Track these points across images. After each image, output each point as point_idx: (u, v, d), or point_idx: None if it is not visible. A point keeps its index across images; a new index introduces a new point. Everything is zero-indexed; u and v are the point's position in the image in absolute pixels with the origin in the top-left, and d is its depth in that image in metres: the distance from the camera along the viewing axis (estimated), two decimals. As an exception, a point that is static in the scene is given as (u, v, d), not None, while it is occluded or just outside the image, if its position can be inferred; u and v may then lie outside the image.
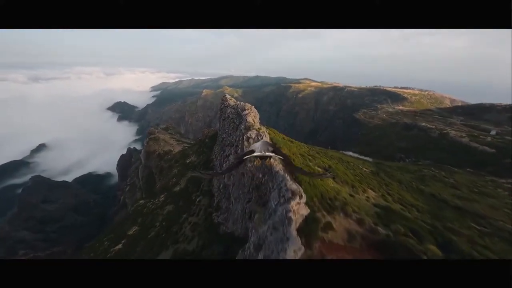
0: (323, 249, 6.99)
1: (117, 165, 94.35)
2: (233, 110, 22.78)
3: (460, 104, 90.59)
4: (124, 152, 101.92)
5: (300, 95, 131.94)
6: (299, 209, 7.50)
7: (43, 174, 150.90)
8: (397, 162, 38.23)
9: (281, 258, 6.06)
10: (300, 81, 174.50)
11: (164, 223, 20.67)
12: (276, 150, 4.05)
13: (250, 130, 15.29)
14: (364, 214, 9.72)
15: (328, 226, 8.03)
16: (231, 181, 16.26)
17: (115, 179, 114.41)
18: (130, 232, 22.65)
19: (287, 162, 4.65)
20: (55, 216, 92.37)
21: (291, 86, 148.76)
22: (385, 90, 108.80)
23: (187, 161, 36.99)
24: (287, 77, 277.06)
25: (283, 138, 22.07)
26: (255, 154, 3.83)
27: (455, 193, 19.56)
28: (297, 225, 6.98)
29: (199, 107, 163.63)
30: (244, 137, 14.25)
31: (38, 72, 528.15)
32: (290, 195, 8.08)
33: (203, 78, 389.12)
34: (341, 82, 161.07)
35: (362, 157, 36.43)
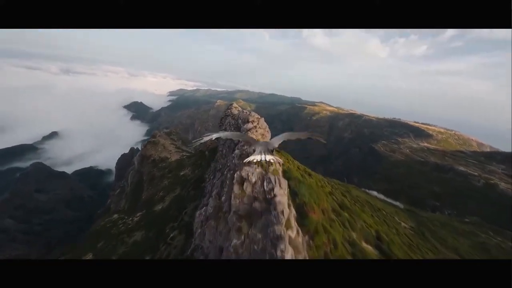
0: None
1: (116, 163, 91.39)
2: (233, 122, 17.84)
3: (488, 149, 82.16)
4: (127, 151, 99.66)
5: (314, 118, 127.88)
6: None
7: (47, 162, 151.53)
8: (431, 211, 31.27)
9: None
10: (316, 103, 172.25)
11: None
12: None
13: (249, 165, 9.29)
14: None
15: None
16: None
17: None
18: (84, 257, 17.50)
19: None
20: (45, 208, 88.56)
21: (306, 107, 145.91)
22: (406, 123, 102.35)
23: (181, 173, 32.26)
24: (302, 98, 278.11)
25: (298, 167, 17.01)
26: (254, 158, 3.63)
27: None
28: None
29: (210, 116, 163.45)
30: (235, 175, 6.79)
31: (70, 65, 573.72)
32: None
33: (220, 89, 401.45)
34: (356, 110, 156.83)
35: (390, 200, 30.03)
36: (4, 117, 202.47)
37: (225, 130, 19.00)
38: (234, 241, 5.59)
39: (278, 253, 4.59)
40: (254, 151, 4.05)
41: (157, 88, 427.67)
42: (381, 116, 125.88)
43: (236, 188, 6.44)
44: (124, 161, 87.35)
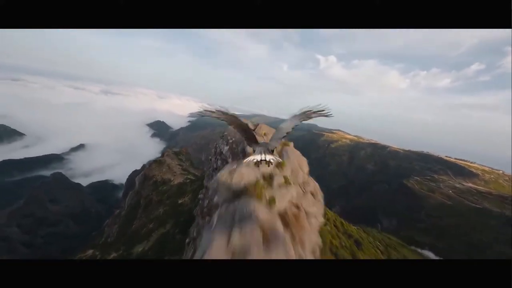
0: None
1: (126, 179, 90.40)
2: (227, 150, 12.73)
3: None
4: (139, 168, 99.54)
5: (333, 145, 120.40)
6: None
7: (68, 172, 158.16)
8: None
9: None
10: (333, 131, 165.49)
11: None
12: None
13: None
14: None
15: None
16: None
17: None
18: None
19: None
20: (52, 220, 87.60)
21: (324, 134, 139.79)
22: (440, 158, 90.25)
23: (179, 201, 27.63)
24: (319, 125, 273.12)
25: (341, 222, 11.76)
26: (254, 158, 3.43)
27: None
28: None
29: (224, 137, 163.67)
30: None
31: (110, 87, 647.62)
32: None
33: (237, 113, 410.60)
34: (377, 140, 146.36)
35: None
36: (44, 127, 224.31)
37: (213, 163, 15.53)
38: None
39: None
40: (254, 151, 3.62)
41: (179, 109, 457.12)
42: (406, 148, 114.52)
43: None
44: (134, 177, 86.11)
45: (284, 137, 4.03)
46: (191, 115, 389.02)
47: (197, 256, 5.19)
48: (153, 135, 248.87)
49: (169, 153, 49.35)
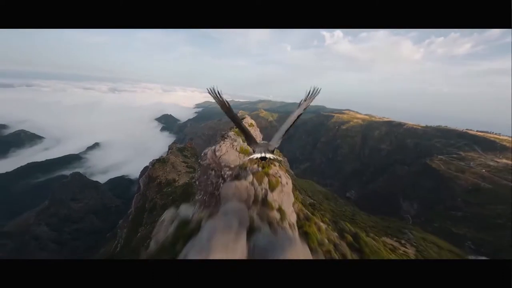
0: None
1: (139, 175, 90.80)
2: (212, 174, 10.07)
3: None
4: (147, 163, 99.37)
5: (344, 127, 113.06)
6: None
7: (87, 170, 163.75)
8: None
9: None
10: (343, 111, 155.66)
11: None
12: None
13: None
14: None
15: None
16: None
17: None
18: None
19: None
20: (75, 217, 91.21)
21: (333, 115, 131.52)
22: (466, 132, 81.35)
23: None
24: (327, 106, 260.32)
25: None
26: (254, 156, 3.50)
27: None
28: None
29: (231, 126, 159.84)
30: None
31: (117, 84, 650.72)
32: None
33: (242, 100, 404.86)
34: (391, 117, 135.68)
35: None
36: (61, 129, 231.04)
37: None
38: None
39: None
40: (254, 151, 3.70)
41: (185, 101, 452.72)
42: (424, 124, 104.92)
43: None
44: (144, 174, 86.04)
45: (283, 135, 4.06)
46: (198, 105, 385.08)
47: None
48: (162, 129, 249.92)
49: (173, 150, 46.34)
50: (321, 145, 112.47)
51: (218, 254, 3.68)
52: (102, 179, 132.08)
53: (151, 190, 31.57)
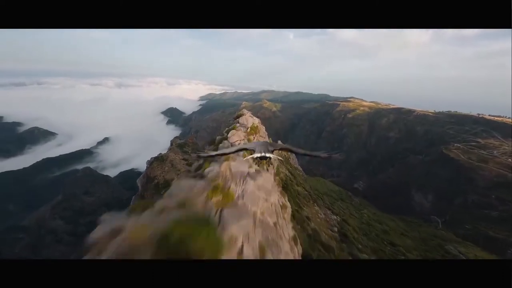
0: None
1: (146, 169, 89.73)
2: None
3: None
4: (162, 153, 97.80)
5: (350, 115, 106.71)
6: None
7: (99, 164, 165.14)
8: None
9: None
10: (347, 99, 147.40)
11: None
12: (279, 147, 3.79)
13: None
14: None
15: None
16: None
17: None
18: None
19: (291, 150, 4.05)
20: (89, 209, 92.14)
21: (339, 104, 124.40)
22: (482, 118, 74.43)
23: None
24: (330, 95, 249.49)
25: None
26: (254, 155, 3.49)
27: None
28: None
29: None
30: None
31: (123, 80, 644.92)
32: None
33: (246, 91, 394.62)
34: (396, 104, 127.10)
35: None
36: (72, 125, 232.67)
37: None
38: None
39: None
40: (254, 151, 3.65)
41: (190, 94, 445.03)
42: (431, 110, 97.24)
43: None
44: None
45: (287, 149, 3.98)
46: (202, 98, 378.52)
47: None
48: (168, 122, 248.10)
49: (173, 146, 42.98)
50: (326, 134, 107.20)
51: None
52: (113, 172, 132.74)
53: (149, 192, 28.72)
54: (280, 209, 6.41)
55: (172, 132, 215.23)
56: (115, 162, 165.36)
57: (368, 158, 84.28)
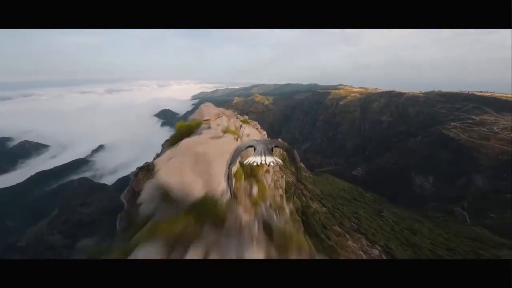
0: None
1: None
2: None
3: None
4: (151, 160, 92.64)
5: (342, 103, 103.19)
6: None
7: (97, 173, 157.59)
8: None
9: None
10: (337, 87, 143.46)
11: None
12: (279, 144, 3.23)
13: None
14: None
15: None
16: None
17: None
18: None
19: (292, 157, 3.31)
20: (87, 221, 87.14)
21: (330, 92, 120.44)
22: (472, 94, 72.28)
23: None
24: (320, 84, 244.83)
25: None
26: (254, 159, 2.86)
27: None
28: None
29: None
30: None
31: (114, 85, 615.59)
32: None
33: (237, 87, 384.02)
34: (384, 88, 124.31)
35: None
36: (65, 136, 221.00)
37: None
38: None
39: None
40: (254, 150, 3.18)
41: (181, 94, 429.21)
42: (417, 91, 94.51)
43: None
44: (148, 173, 79.92)
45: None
46: (194, 97, 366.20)
47: None
48: (163, 124, 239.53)
49: (159, 155, 38.19)
50: (320, 123, 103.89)
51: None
52: (111, 180, 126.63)
53: (135, 208, 24.58)
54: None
55: (168, 133, 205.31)
56: (113, 169, 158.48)
57: (364, 144, 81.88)
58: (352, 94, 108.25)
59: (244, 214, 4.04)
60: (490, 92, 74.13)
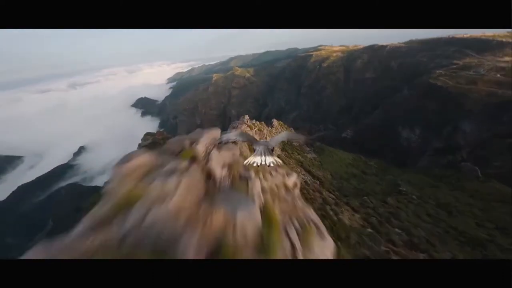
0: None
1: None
2: None
3: None
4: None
5: (324, 65, 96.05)
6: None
7: (86, 176, 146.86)
8: None
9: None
10: (318, 48, 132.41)
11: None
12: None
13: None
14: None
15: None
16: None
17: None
18: None
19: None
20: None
21: (312, 55, 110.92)
22: (452, 38, 68.71)
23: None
24: (299, 48, 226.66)
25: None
26: (254, 159, 2.79)
27: None
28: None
29: (211, 94, 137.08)
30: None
31: (75, 79, 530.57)
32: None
33: (213, 62, 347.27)
34: (364, 44, 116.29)
35: None
36: (36, 143, 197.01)
37: None
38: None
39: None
40: (254, 151, 3.20)
41: (155, 78, 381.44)
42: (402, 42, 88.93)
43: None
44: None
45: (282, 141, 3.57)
46: (170, 80, 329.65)
47: None
48: (143, 114, 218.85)
49: (139, 151, 32.64)
50: (305, 90, 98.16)
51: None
52: (101, 180, 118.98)
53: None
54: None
55: (151, 123, 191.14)
56: (101, 169, 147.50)
57: (350, 104, 79.59)
58: (334, 54, 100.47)
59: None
60: (470, 34, 70.77)
